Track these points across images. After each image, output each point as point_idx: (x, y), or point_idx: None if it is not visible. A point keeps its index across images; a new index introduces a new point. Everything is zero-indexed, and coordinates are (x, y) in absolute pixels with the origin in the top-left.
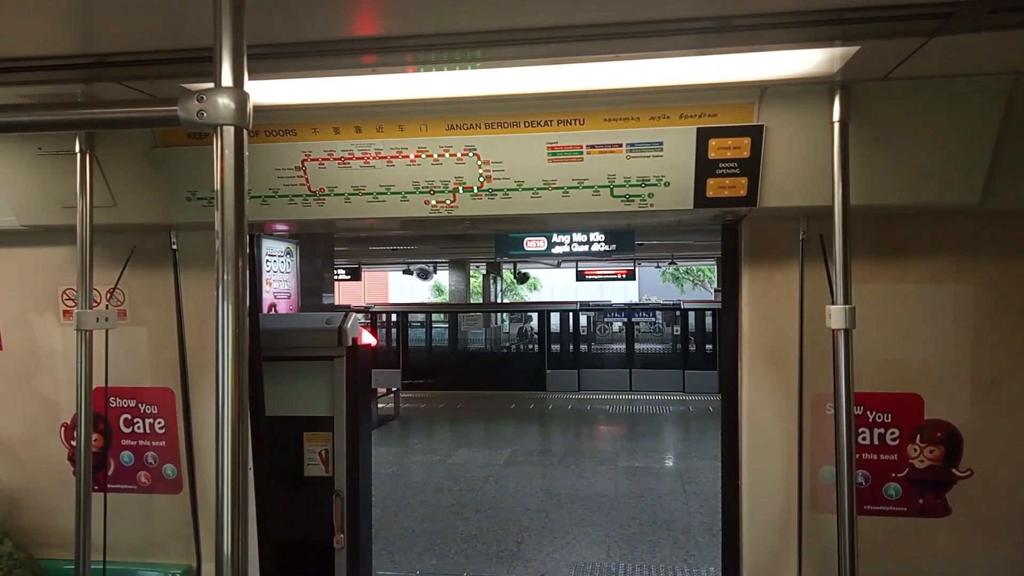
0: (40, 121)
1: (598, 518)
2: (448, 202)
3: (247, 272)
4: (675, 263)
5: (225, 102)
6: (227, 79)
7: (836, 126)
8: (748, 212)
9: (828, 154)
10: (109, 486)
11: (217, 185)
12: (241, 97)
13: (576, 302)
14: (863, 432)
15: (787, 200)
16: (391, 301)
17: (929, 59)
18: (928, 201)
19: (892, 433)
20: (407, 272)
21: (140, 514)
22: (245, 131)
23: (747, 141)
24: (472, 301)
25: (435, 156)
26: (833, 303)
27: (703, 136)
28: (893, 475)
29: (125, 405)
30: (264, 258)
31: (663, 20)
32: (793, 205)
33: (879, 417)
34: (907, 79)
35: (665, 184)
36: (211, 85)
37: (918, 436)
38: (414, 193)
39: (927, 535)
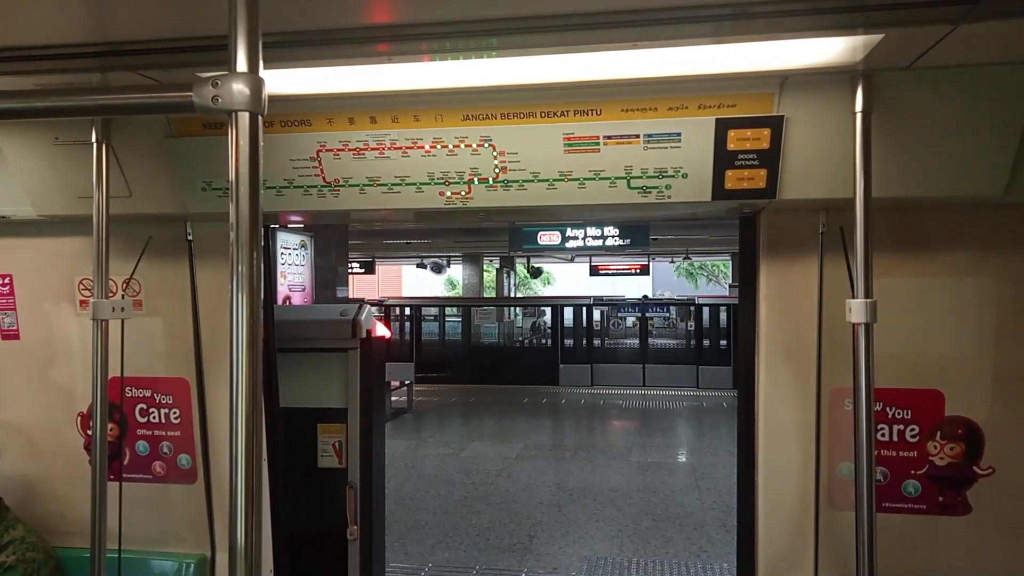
0: (55, 107)
1: (611, 512)
2: (463, 193)
3: (262, 262)
4: (689, 258)
5: (240, 87)
6: (242, 65)
7: (858, 117)
8: (767, 204)
9: (849, 145)
10: (124, 475)
11: (232, 173)
12: (256, 83)
13: (590, 297)
14: (882, 428)
15: (807, 192)
16: (405, 295)
17: (955, 48)
18: (951, 193)
19: (912, 429)
20: (421, 266)
21: (155, 504)
22: (260, 117)
23: (767, 132)
24: (485, 295)
25: (450, 147)
26: (853, 297)
27: (722, 127)
28: (912, 472)
29: (140, 395)
30: (279, 250)
31: (682, 7)
32: (813, 197)
33: (898, 413)
34: (932, 68)
35: (683, 176)
36: (226, 72)
37: (938, 433)
38: (429, 184)
39: (947, 533)
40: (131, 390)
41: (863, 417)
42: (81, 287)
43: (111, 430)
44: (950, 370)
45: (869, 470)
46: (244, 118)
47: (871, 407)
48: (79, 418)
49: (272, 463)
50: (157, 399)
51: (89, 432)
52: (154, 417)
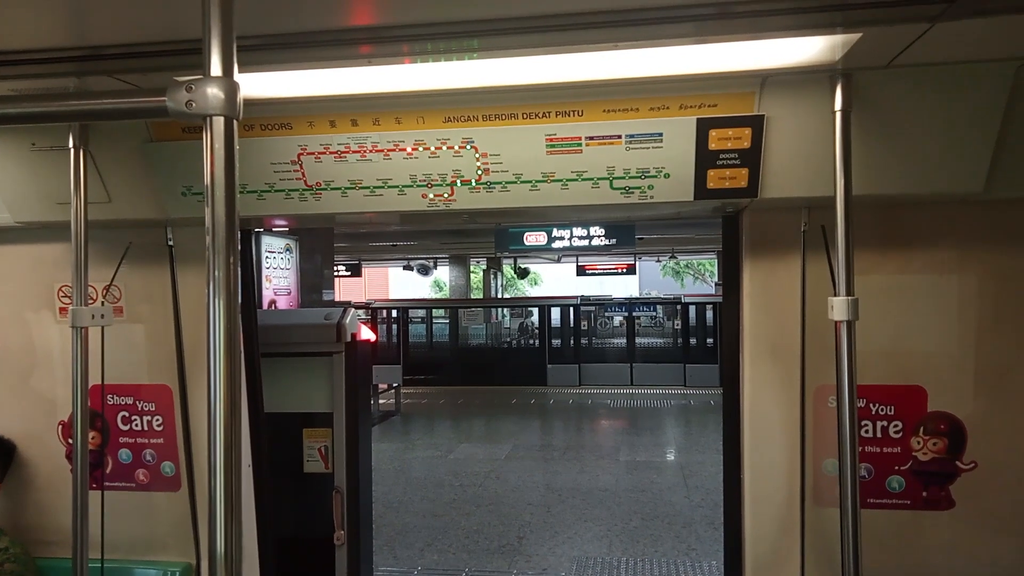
0: (28, 113)
1: (599, 512)
2: (446, 195)
3: (239, 267)
4: (675, 257)
5: (214, 92)
6: (216, 69)
7: (838, 115)
8: (749, 203)
9: (830, 144)
10: (107, 484)
11: (207, 178)
12: (230, 87)
13: (577, 297)
14: (866, 425)
15: (788, 191)
16: (392, 297)
17: (933, 46)
18: (931, 190)
19: (895, 425)
20: (407, 268)
21: (139, 512)
22: (235, 122)
23: (748, 131)
24: (472, 296)
25: (432, 149)
26: (835, 295)
27: (703, 127)
28: (896, 468)
29: (123, 402)
30: (264, 254)
31: (662, 7)
32: (794, 196)
33: (882, 409)
34: (910, 66)
35: (665, 176)
36: (200, 77)
37: (921, 428)
38: (412, 186)
39: (931, 528)
40: (113, 398)
41: (846, 414)
42: (60, 294)
43: (93, 438)
44: (932, 366)
45: (853, 466)
46: (219, 122)
47: (854, 404)
48: (60, 427)
49: (257, 469)
50: (139, 406)
51: (71, 441)
52: (136, 425)
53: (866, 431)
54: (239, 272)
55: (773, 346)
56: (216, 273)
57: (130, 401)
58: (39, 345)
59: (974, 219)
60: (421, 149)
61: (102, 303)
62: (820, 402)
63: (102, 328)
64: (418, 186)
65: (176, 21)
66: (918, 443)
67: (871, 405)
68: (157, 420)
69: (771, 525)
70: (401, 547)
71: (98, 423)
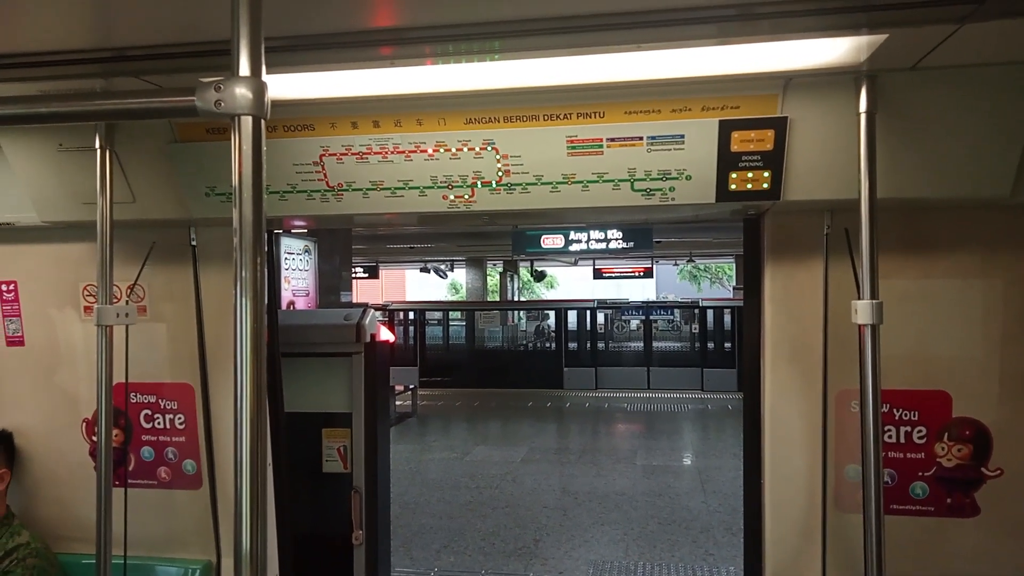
0: (58, 112)
1: (616, 516)
2: (466, 197)
3: (265, 267)
4: (693, 260)
5: (243, 91)
6: (244, 69)
7: (862, 117)
8: (771, 206)
9: (854, 146)
10: (129, 481)
11: (235, 177)
12: (259, 86)
13: (593, 300)
14: (889, 430)
15: (812, 193)
16: (409, 299)
17: (960, 47)
18: (957, 194)
19: (919, 431)
20: (424, 270)
21: (160, 509)
22: (263, 121)
23: (770, 133)
24: (489, 299)
25: (453, 150)
26: (859, 298)
27: (725, 129)
28: (920, 474)
29: (145, 400)
30: (283, 256)
31: (685, 8)
32: (818, 199)
33: (905, 415)
34: (936, 68)
35: (687, 178)
36: (229, 76)
37: (946, 434)
38: (432, 188)
39: (955, 535)
40: (136, 396)
41: (870, 419)
42: (85, 293)
43: (116, 436)
44: (957, 371)
45: (877, 472)
46: (247, 122)
47: (878, 409)
48: (84, 424)
49: (277, 468)
50: (162, 404)
51: (94, 438)
52: (159, 423)
53: (889, 436)
54: (266, 272)
55: (795, 350)
56: (243, 273)
57: (153, 399)
58: (64, 343)
59: (1000, 223)
60: (442, 151)
61: (126, 302)
62: (842, 406)
63: (126, 327)
64: (439, 187)
65: (200, 22)
66: (942, 449)
67: (894, 410)
68: (179, 418)
69: (792, 530)
70: (418, 548)
71: (121, 421)
